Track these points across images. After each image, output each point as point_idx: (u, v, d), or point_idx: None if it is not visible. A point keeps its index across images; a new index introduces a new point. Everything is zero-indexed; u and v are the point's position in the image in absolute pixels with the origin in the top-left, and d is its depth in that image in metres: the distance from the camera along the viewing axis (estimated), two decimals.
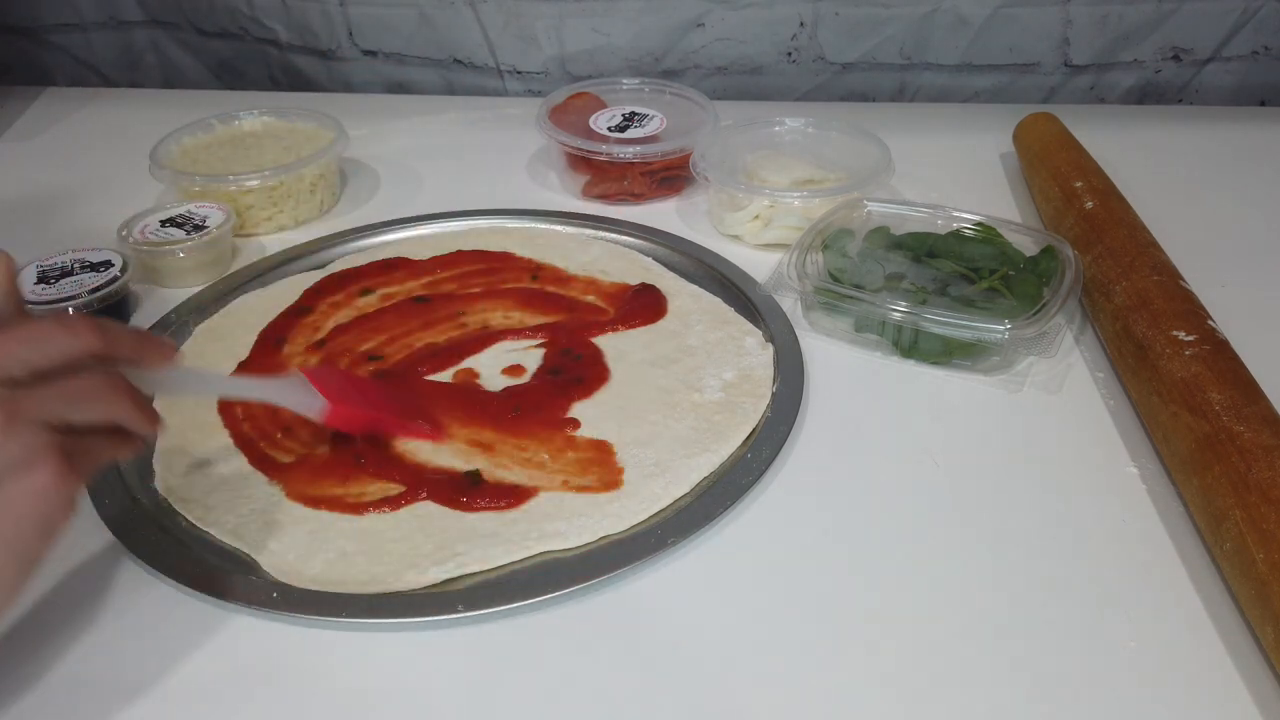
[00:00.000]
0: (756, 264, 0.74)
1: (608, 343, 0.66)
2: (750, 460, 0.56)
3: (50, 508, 0.37)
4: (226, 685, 0.45)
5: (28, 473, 0.36)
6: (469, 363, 0.65)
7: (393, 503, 0.54)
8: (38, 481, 0.37)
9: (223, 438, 0.59)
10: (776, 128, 0.87)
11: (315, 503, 0.54)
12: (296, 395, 0.54)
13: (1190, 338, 0.58)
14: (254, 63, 1.14)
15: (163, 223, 0.74)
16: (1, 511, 0.36)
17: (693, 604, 0.49)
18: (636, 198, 0.84)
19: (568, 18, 1.03)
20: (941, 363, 0.65)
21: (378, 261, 0.75)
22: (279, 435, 0.59)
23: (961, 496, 0.55)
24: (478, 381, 0.63)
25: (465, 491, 0.54)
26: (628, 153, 0.82)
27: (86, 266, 0.69)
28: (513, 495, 0.54)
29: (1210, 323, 0.60)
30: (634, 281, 0.72)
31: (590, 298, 0.71)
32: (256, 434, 0.59)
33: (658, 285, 0.72)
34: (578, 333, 0.67)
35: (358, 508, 0.54)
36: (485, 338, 0.67)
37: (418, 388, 0.62)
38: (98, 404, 0.40)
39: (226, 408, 0.61)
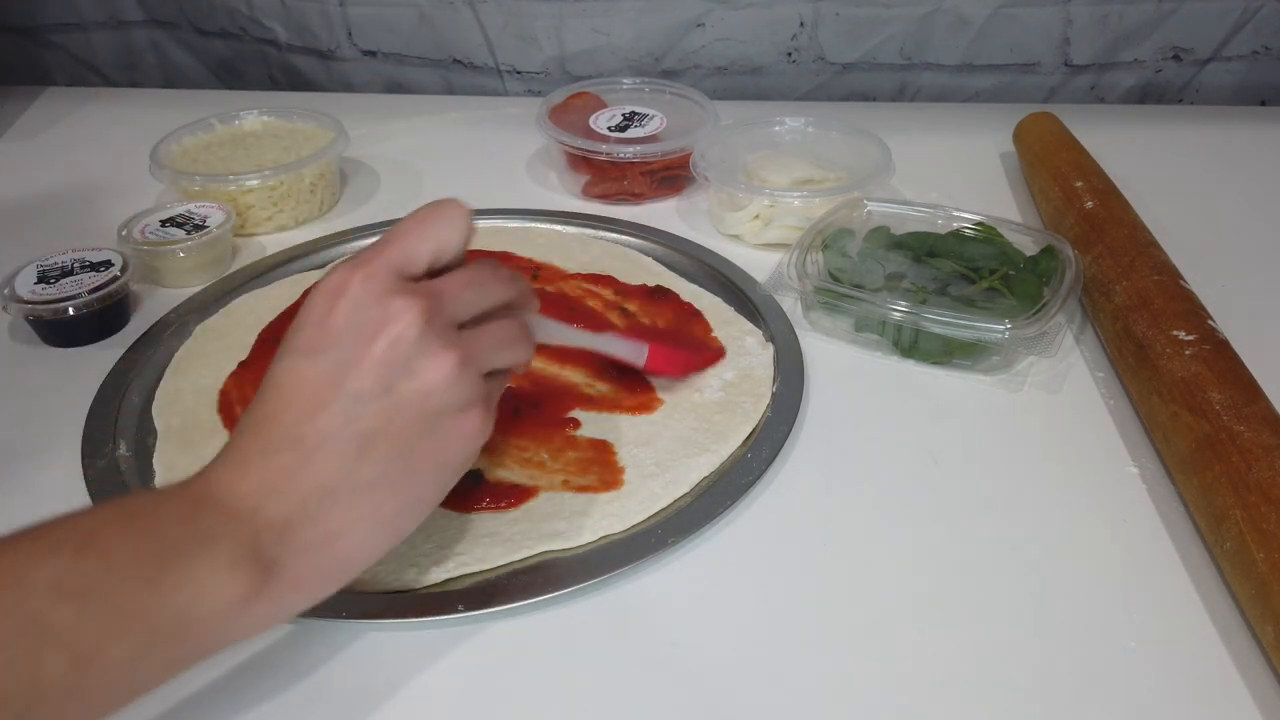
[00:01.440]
0: (756, 264, 0.74)
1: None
2: (750, 460, 0.56)
3: (475, 447, 0.43)
4: (225, 685, 0.45)
5: (465, 414, 0.41)
6: None
7: None
8: (471, 424, 0.42)
9: (223, 437, 0.59)
10: (776, 127, 0.87)
11: None
12: (620, 345, 0.58)
13: (1190, 337, 0.58)
14: (254, 63, 1.14)
15: (163, 222, 0.74)
16: (440, 444, 0.41)
17: (693, 604, 0.49)
18: (636, 197, 0.84)
19: (568, 18, 1.03)
20: (941, 362, 0.65)
21: None
22: None
23: (961, 496, 0.55)
24: None
25: (466, 491, 0.54)
26: (628, 152, 0.82)
27: (86, 266, 0.69)
28: (513, 495, 0.54)
29: (1210, 322, 0.60)
30: (634, 283, 0.72)
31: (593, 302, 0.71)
32: None
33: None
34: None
35: None
36: None
37: None
38: (516, 350, 0.45)
39: (227, 408, 0.61)
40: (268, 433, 0.40)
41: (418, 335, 0.40)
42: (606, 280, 0.72)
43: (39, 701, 0.32)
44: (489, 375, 0.43)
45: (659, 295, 0.71)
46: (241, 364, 0.65)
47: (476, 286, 0.43)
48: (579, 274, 0.73)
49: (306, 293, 0.70)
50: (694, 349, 0.64)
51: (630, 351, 0.59)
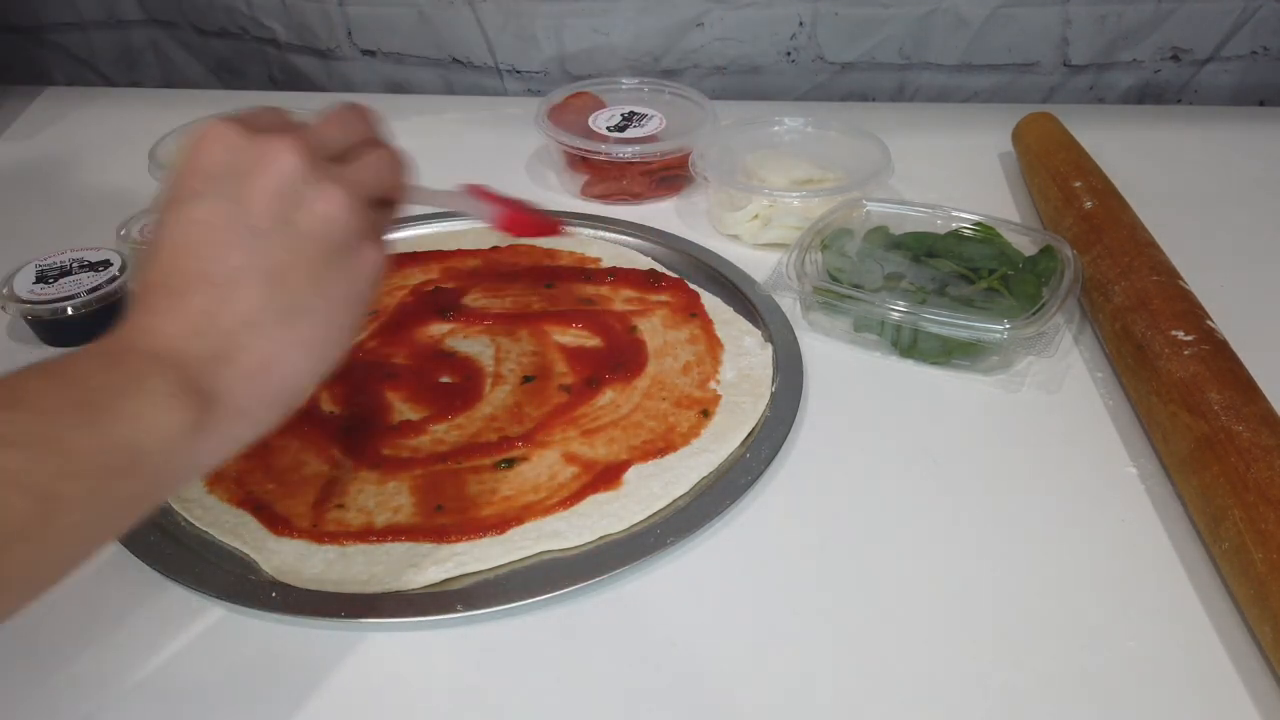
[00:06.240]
0: (756, 264, 0.74)
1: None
2: (749, 460, 0.56)
3: (377, 277, 0.44)
4: (226, 685, 0.45)
5: (363, 245, 0.42)
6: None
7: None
8: (371, 255, 0.43)
9: None
10: (776, 127, 0.87)
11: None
12: (470, 203, 0.57)
13: (1189, 337, 0.58)
14: (253, 62, 1.14)
15: None
16: (347, 274, 0.42)
17: (692, 604, 0.49)
18: (635, 197, 0.84)
19: (567, 17, 1.03)
20: (941, 362, 0.65)
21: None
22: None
23: (960, 496, 0.55)
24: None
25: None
26: (627, 152, 0.82)
27: (85, 266, 0.69)
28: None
29: (1209, 322, 0.60)
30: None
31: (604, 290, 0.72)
32: None
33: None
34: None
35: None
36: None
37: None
38: (392, 172, 0.46)
39: None
40: (176, 280, 0.39)
41: (300, 168, 0.40)
42: (595, 261, 0.74)
43: (15, 542, 0.32)
44: (373, 204, 0.44)
45: (653, 280, 0.72)
46: None
47: (342, 122, 0.44)
48: (568, 258, 0.75)
49: None
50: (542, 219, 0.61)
51: (480, 211, 0.58)
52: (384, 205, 0.46)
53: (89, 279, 0.67)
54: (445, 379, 0.63)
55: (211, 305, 0.39)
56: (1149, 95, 1.06)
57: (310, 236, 0.40)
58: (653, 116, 0.87)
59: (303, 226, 0.40)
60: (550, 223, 0.60)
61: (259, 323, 0.39)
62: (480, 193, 0.59)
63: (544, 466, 0.56)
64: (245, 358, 0.39)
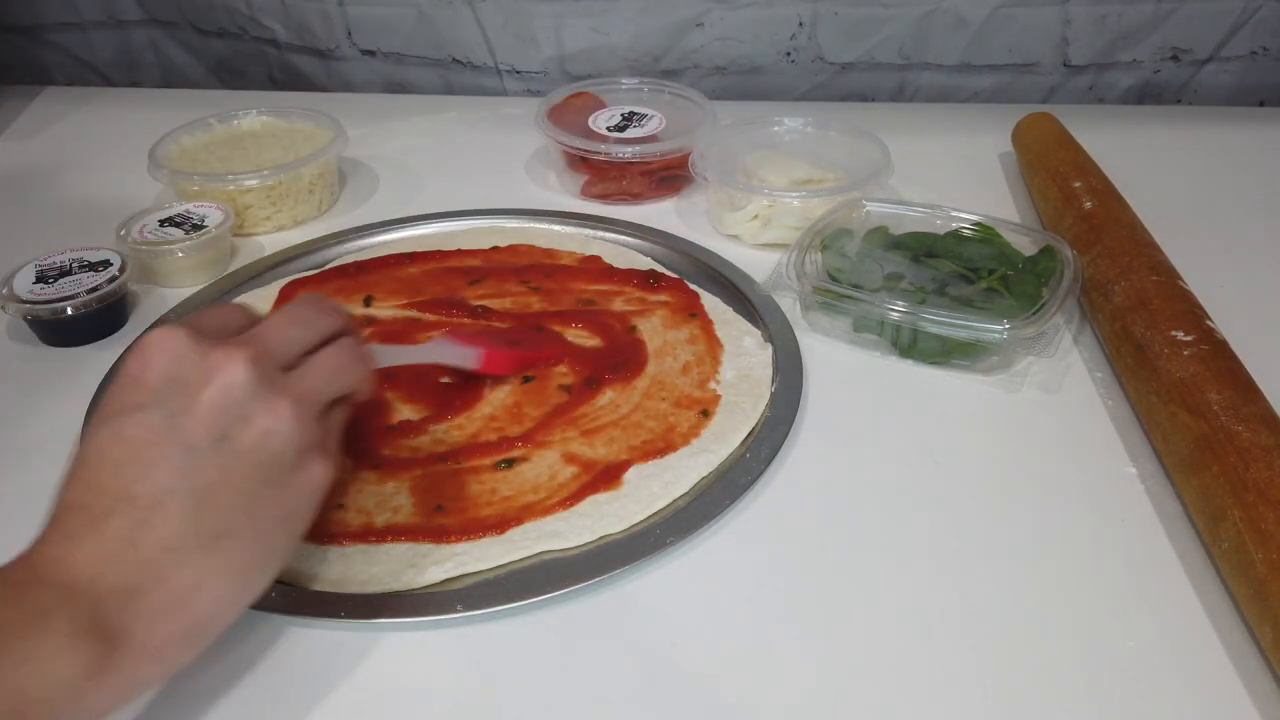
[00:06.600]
0: (755, 264, 0.74)
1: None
2: (749, 460, 0.56)
3: (320, 495, 0.42)
4: (225, 685, 0.45)
5: (306, 462, 0.41)
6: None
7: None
8: (313, 474, 0.41)
9: None
10: (775, 127, 0.87)
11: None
12: (451, 351, 0.59)
13: (1189, 338, 0.58)
14: (253, 62, 1.14)
15: (161, 222, 0.74)
16: (284, 493, 0.40)
17: (692, 604, 0.49)
18: (635, 197, 0.84)
19: (567, 17, 1.03)
20: (940, 362, 0.65)
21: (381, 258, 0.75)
22: None
23: (960, 496, 0.55)
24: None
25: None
26: (627, 152, 0.82)
27: (85, 266, 0.69)
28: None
29: (1209, 323, 0.60)
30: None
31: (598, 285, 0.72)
32: None
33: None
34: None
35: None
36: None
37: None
38: (351, 373, 0.45)
39: None
40: (95, 499, 0.37)
41: (247, 380, 0.38)
42: (594, 260, 0.75)
43: None
44: (326, 409, 0.42)
45: (653, 280, 0.72)
46: None
47: (298, 323, 0.42)
48: (568, 258, 0.75)
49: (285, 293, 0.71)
50: (533, 346, 0.64)
51: (461, 357, 0.59)
52: (341, 402, 0.44)
53: (89, 279, 0.67)
54: (445, 379, 0.63)
55: (131, 530, 0.36)
56: (1149, 95, 1.06)
57: (245, 453, 0.38)
58: (653, 116, 0.87)
59: (241, 443, 0.38)
60: (531, 356, 0.62)
61: (181, 548, 0.37)
62: (458, 337, 0.60)
63: (544, 466, 0.56)
64: (162, 590, 0.36)
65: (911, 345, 0.65)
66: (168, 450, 0.37)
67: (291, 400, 0.40)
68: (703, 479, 0.56)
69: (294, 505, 0.41)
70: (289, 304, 0.43)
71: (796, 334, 0.67)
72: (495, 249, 0.76)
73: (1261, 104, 1.05)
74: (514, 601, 0.48)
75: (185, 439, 0.38)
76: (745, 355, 0.65)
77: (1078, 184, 0.76)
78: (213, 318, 0.41)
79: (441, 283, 0.72)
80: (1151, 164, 0.87)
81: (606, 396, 0.61)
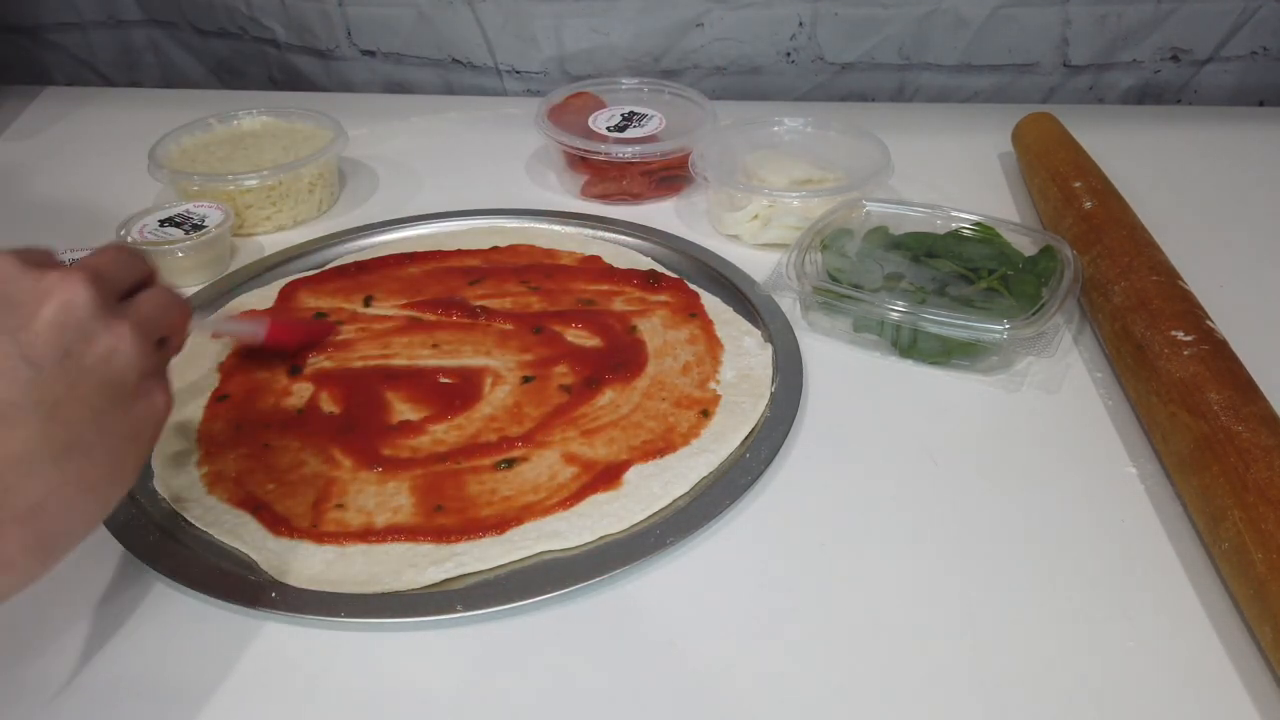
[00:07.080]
0: (755, 264, 0.74)
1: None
2: (749, 460, 0.56)
3: (163, 420, 0.43)
4: (225, 685, 0.45)
5: (149, 388, 0.42)
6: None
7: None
8: (156, 398, 0.43)
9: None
10: (775, 127, 0.87)
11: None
12: (238, 326, 0.64)
13: (1189, 338, 0.58)
14: (253, 62, 1.14)
15: (161, 222, 0.74)
16: (130, 415, 0.41)
17: (692, 604, 0.49)
18: (635, 197, 0.84)
19: (567, 17, 1.03)
20: (940, 362, 0.65)
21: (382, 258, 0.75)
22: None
23: (960, 496, 0.55)
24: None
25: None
26: (627, 152, 0.82)
27: None
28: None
29: (1209, 323, 0.60)
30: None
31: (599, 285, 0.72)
32: None
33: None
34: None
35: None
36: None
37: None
38: (175, 313, 0.46)
39: (218, 402, 0.61)
40: None
41: (88, 300, 0.39)
42: (594, 260, 0.75)
43: None
44: (156, 345, 0.43)
45: (653, 280, 0.72)
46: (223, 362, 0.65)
47: (121, 261, 0.43)
48: (568, 258, 0.75)
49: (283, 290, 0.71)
50: (309, 323, 0.68)
51: (247, 329, 0.63)
52: (162, 345, 0.45)
53: None
54: (445, 379, 0.63)
55: None
56: (1149, 95, 1.06)
57: (90, 370, 0.38)
58: (653, 117, 0.87)
59: (85, 361, 0.38)
60: (316, 327, 0.66)
61: (28, 459, 0.37)
62: (251, 314, 0.66)
63: (544, 466, 0.56)
64: (13, 500, 0.36)
65: (911, 345, 0.65)
66: (12, 363, 0.37)
67: (131, 324, 0.40)
68: (703, 479, 0.56)
69: (139, 428, 0.41)
70: (100, 248, 0.43)
71: (796, 334, 0.67)
72: (495, 249, 0.76)
73: (1261, 104, 1.05)
74: (514, 601, 0.48)
75: (27, 354, 0.37)
76: (745, 355, 0.65)
77: (1078, 184, 0.76)
78: (32, 252, 0.41)
79: (441, 283, 0.72)
80: (1151, 164, 0.88)
81: (606, 396, 0.61)
